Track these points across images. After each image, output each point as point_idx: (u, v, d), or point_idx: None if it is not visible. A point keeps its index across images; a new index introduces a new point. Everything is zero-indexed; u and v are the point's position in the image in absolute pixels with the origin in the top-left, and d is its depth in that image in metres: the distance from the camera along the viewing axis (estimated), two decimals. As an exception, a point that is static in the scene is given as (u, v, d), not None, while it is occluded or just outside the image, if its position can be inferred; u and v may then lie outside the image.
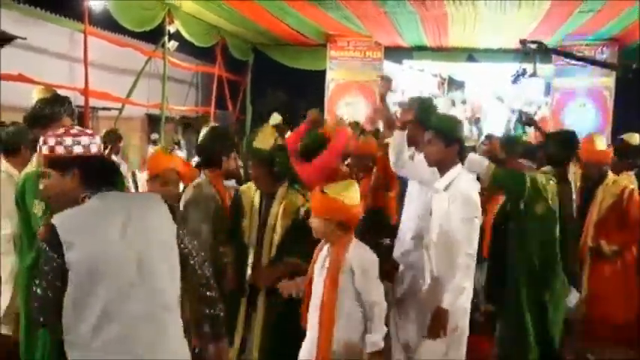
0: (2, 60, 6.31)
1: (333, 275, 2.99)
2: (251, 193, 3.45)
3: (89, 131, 2.19)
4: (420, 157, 3.73)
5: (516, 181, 3.63)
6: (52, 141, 2.09)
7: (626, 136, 5.29)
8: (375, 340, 3.01)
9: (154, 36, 9.00)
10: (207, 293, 2.33)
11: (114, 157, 6.13)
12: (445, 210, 3.28)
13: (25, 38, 6.83)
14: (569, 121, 10.60)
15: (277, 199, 3.35)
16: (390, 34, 10.54)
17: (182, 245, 2.23)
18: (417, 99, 4.01)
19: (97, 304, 1.97)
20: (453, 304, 3.19)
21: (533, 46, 6.02)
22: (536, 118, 10.74)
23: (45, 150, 2.09)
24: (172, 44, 9.32)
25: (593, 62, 8.96)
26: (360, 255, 3.02)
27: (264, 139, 3.34)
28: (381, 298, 3.03)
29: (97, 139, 2.18)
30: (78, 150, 2.10)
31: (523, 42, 6.50)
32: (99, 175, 2.14)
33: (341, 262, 2.99)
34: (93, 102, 7.80)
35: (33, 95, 3.29)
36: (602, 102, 10.51)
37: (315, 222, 3.05)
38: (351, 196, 3.00)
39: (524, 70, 7.07)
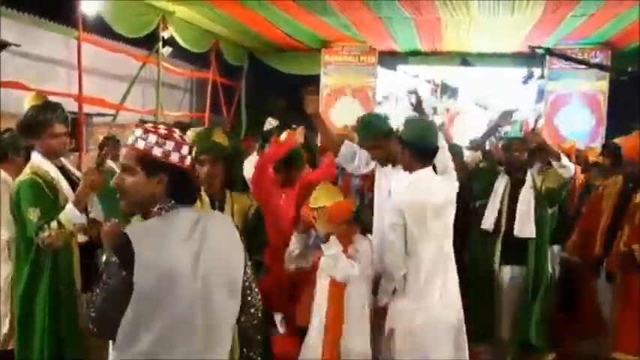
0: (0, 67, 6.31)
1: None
2: None
3: (188, 140, 2.04)
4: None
5: None
6: (152, 139, 1.92)
7: (618, 141, 5.31)
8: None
9: (148, 42, 9.01)
10: (253, 335, 2.19)
11: (112, 164, 6.11)
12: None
13: (19, 45, 6.82)
14: (563, 125, 10.66)
15: (228, 203, 3.27)
16: (385, 39, 10.57)
17: (245, 277, 2.09)
18: (358, 119, 3.98)
19: (154, 328, 1.84)
20: (381, 301, 3.27)
21: (540, 50, 6.21)
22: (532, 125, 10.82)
23: (141, 145, 1.92)
24: (166, 50, 9.32)
25: (593, 65, 9.11)
26: (360, 247, 3.21)
27: (222, 137, 3.30)
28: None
29: (193, 152, 2.05)
30: (174, 158, 1.93)
31: (532, 47, 6.75)
32: (184, 189, 1.99)
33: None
34: (87, 108, 7.79)
35: (25, 103, 3.28)
36: (596, 106, 10.55)
37: (329, 233, 3.12)
38: (331, 194, 3.19)
39: (533, 72, 7.34)
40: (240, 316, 2.09)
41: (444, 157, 3.42)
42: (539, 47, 7.15)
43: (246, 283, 2.10)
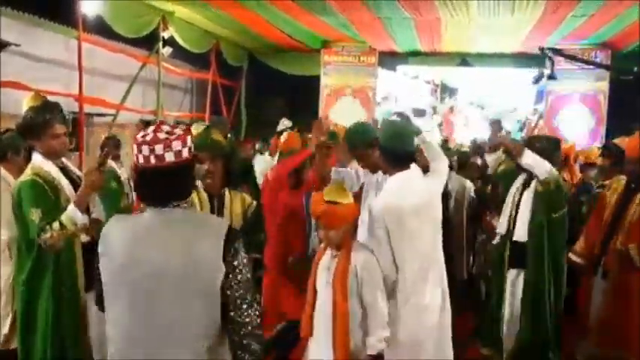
0: (0, 67, 6.31)
1: (344, 280, 3.02)
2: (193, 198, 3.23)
3: (174, 135, 2.03)
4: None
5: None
6: (135, 149, 2.03)
7: (618, 141, 5.31)
8: (374, 342, 3.02)
9: (149, 42, 9.02)
10: (242, 354, 2.08)
11: (113, 164, 6.11)
12: None
13: (19, 45, 6.82)
14: (564, 126, 10.68)
15: (227, 201, 3.34)
16: (384, 40, 10.59)
17: (229, 292, 2.03)
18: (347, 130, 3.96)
19: (110, 321, 2.01)
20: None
21: (549, 52, 6.32)
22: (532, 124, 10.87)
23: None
24: (166, 50, 9.33)
25: (600, 66, 9.17)
26: (363, 257, 3.07)
27: (219, 136, 3.34)
28: (383, 301, 3.06)
29: (175, 145, 2.02)
30: (152, 160, 2.00)
31: (542, 49, 6.87)
32: (154, 187, 2.05)
33: (349, 266, 3.03)
34: (88, 108, 7.79)
35: (24, 103, 3.27)
36: (596, 106, 10.58)
37: (332, 234, 3.09)
38: (343, 193, 3.09)
39: (543, 72, 7.42)
40: (231, 335, 2.05)
41: (435, 157, 3.43)
42: (550, 48, 7.26)
43: (230, 299, 2.03)
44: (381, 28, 9.59)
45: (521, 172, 4.47)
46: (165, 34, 9.05)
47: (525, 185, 4.38)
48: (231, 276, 2.04)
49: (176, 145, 2.03)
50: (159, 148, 2.00)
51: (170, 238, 2.01)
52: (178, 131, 2.07)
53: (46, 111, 3.14)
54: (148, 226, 2.04)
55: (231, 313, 2.05)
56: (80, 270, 3.14)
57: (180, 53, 9.87)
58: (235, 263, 2.04)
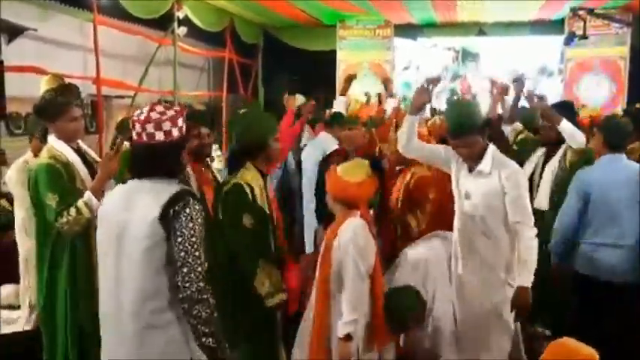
0: (15, 52, 6.38)
1: (326, 253, 3.00)
2: (256, 179, 3.25)
3: (165, 115, 2.22)
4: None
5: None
6: (131, 125, 2.27)
7: None
8: (341, 324, 2.89)
9: (164, 23, 9.02)
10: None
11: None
12: (497, 189, 3.29)
13: (35, 30, 6.89)
14: (583, 92, 10.49)
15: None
16: (400, 12, 10.46)
17: (171, 242, 2.15)
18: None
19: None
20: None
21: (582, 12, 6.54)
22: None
23: None
24: (182, 30, 9.32)
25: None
26: (348, 231, 2.93)
27: None
28: (354, 282, 2.88)
29: (166, 125, 2.21)
30: (144, 138, 2.23)
31: (574, 9, 6.99)
32: (142, 163, 2.26)
33: (332, 239, 2.97)
34: (106, 91, 7.86)
35: (41, 85, 3.29)
36: (616, 72, 10.37)
37: (328, 199, 3.13)
38: (356, 174, 3.04)
39: (574, 32, 7.43)
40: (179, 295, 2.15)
41: None
42: (582, 8, 7.28)
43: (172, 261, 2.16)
44: (396, 0, 9.48)
45: (543, 144, 4.44)
46: (180, 14, 9.04)
47: (548, 157, 4.37)
48: (172, 238, 2.15)
49: (166, 125, 2.19)
50: (149, 127, 2.18)
51: (129, 202, 2.22)
52: (171, 112, 2.23)
53: (63, 93, 3.14)
54: (122, 196, 2.27)
55: (175, 276, 2.14)
56: (96, 255, 3.16)
57: (196, 33, 9.85)
58: (176, 225, 2.14)
